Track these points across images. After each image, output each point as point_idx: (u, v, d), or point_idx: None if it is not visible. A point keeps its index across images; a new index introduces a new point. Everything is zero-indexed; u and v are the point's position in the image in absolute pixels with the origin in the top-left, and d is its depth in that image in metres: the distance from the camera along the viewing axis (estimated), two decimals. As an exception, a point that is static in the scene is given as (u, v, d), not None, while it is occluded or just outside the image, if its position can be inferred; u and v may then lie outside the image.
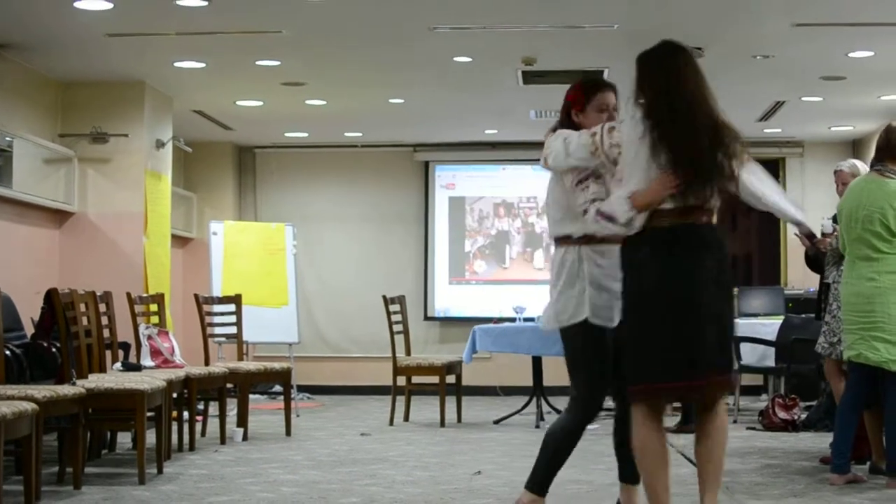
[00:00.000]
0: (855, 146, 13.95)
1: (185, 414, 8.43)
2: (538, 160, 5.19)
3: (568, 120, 5.14)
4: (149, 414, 7.05)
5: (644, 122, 4.72)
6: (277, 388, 11.97)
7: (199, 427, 8.99)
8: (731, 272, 4.88)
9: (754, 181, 4.98)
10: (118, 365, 8.16)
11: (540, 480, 5.20)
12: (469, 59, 9.93)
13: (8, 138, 9.62)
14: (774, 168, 14.50)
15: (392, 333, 10.69)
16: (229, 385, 9.18)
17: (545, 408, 10.56)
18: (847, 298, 6.55)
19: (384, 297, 10.89)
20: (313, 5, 8.25)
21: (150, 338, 8.58)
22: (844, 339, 6.62)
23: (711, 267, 4.72)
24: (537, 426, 10.20)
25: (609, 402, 5.36)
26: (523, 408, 10.83)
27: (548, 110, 12.26)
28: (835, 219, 7.14)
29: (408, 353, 10.98)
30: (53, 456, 7.08)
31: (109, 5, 8.25)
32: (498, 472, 7.34)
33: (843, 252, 6.74)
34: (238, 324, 9.89)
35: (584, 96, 5.12)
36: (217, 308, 10.06)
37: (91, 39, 9.22)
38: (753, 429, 9.77)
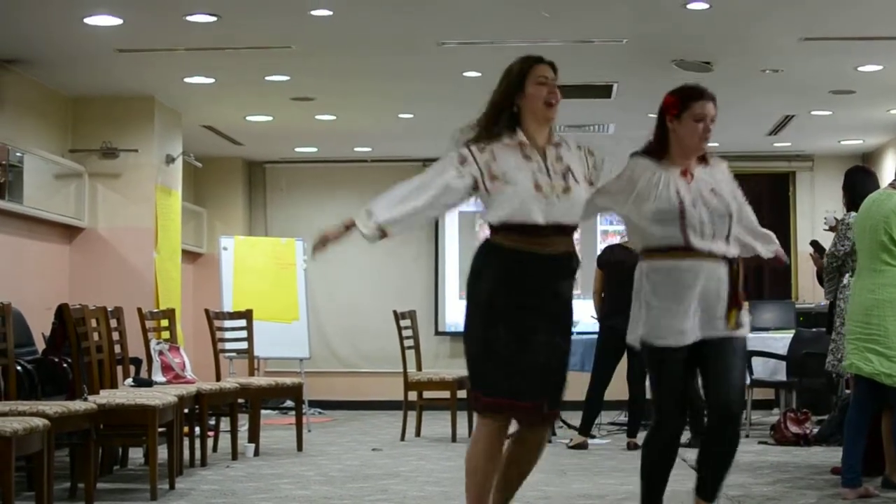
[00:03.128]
0: (865, 160, 13.91)
1: (197, 429, 8.41)
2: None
3: (661, 126, 4.89)
4: (160, 429, 7.05)
5: None
6: (289, 403, 11.99)
7: (210, 443, 8.98)
8: None
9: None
10: (129, 381, 8.15)
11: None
12: (478, 74, 9.94)
13: (18, 154, 9.65)
14: (784, 182, 14.52)
15: (403, 348, 10.68)
16: (240, 400, 9.18)
17: (555, 422, 10.52)
18: (851, 308, 6.58)
19: (395, 311, 10.88)
20: (322, 20, 8.27)
21: (161, 353, 8.58)
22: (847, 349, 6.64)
23: None
24: (549, 441, 10.17)
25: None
26: (534, 422, 10.76)
27: (557, 125, 12.23)
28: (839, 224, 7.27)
29: (419, 368, 10.95)
30: (65, 472, 7.07)
31: (119, 21, 8.28)
32: (509, 486, 7.31)
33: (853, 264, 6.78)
34: (249, 339, 9.89)
35: (681, 103, 4.83)
36: (228, 323, 10.06)
37: (101, 55, 9.25)
38: (765, 443, 9.74)
